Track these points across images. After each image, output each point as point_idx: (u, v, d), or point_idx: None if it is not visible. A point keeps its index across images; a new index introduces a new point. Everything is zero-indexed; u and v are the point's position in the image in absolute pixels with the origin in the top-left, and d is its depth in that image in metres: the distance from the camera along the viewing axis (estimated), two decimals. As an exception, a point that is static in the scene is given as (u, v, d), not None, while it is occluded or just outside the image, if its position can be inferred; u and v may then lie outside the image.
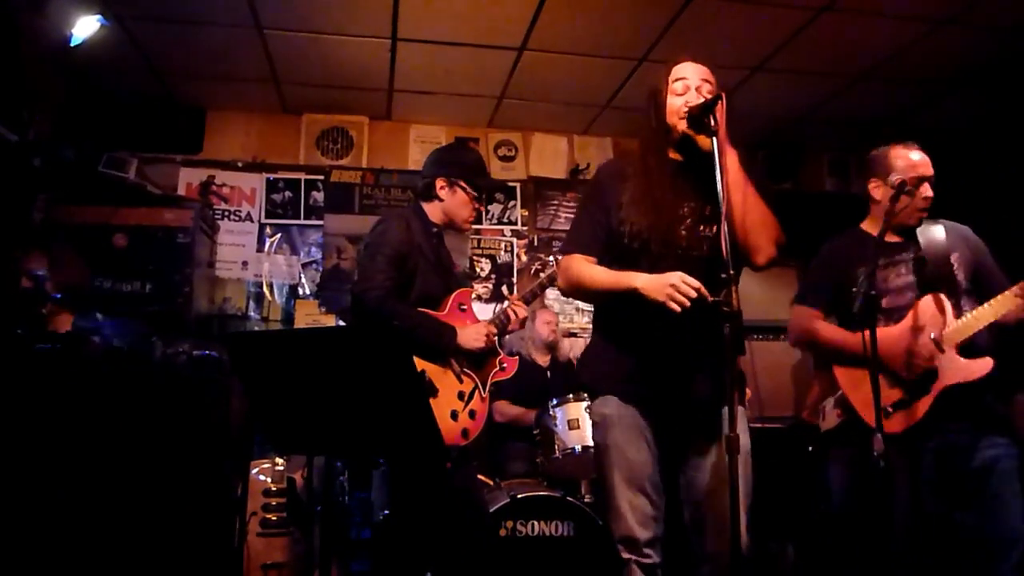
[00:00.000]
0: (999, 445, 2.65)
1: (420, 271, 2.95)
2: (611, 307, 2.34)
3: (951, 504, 2.68)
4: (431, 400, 2.75)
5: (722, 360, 1.99)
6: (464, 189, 3.08)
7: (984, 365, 2.64)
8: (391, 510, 3.13)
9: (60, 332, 3.14)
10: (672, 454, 2.29)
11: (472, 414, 2.94)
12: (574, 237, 2.43)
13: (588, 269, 2.30)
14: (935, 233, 2.83)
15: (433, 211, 3.11)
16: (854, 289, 2.52)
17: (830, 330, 2.91)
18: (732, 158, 2.17)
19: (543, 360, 4.70)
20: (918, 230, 2.83)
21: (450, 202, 3.08)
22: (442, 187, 3.07)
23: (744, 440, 2.18)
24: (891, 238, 2.82)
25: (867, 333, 2.47)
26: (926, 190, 2.78)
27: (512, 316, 3.15)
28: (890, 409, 2.70)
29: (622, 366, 2.29)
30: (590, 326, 5.46)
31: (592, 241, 2.35)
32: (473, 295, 3.28)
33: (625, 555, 2.20)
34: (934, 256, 2.79)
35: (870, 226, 2.94)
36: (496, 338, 3.09)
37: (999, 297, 2.62)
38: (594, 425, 2.36)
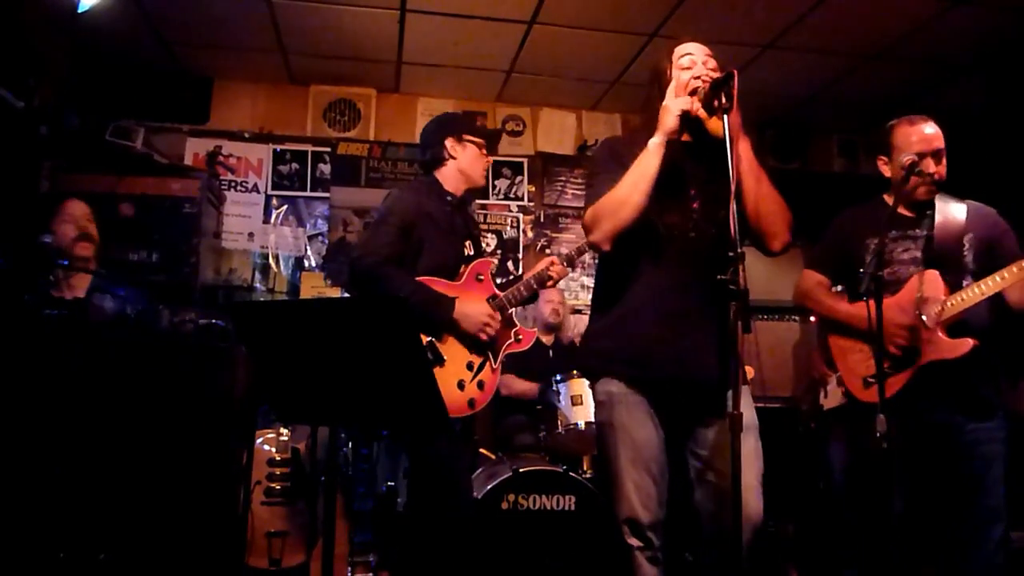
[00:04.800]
0: (983, 429, 2.65)
1: (430, 240, 2.91)
2: (614, 286, 2.31)
3: (934, 480, 2.72)
4: (437, 369, 2.74)
5: (727, 339, 1.97)
6: (472, 141, 3.10)
7: (962, 345, 2.61)
8: (411, 482, 3.07)
9: (74, 295, 3.15)
10: (678, 435, 2.25)
11: (480, 385, 2.89)
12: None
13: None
14: (954, 212, 2.79)
15: (448, 178, 3.08)
16: (860, 270, 2.50)
17: (827, 299, 2.95)
18: (746, 145, 2.14)
19: (546, 339, 4.70)
20: (937, 207, 2.80)
21: (463, 158, 3.08)
22: (453, 146, 3.08)
23: (751, 416, 2.17)
24: (905, 212, 2.82)
25: (868, 305, 2.44)
26: (928, 165, 2.73)
27: (552, 276, 3.12)
28: (870, 380, 2.72)
29: (627, 346, 2.24)
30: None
31: None
32: (493, 268, 3.22)
33: (630, 540, 2.14)
34: (946, 235, 2.75)
35: (890, 198, 2.90)
36: (505, 317, 3.00)
37: (988, 278, 2.59)
38: (599, 404, 2.31)
